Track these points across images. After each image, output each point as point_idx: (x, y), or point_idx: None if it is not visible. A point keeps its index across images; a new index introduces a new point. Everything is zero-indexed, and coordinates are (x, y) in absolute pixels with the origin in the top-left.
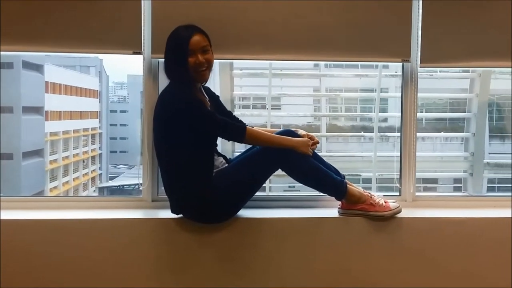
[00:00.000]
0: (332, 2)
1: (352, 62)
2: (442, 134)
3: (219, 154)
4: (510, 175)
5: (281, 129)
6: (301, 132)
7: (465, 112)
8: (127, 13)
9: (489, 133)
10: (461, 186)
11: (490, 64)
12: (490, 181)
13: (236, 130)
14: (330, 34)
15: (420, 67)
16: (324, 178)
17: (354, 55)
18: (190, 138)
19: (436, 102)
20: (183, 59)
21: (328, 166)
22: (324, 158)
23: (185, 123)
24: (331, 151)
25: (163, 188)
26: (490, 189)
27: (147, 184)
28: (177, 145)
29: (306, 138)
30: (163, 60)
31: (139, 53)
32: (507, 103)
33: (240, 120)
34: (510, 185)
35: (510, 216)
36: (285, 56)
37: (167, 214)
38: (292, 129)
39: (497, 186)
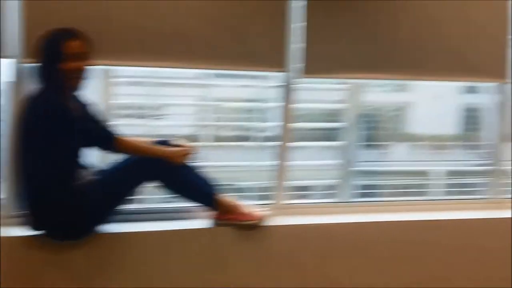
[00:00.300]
0: (210, 10)
1: (230, 71)
2: (314, 143)
3: (86, 166)
4: (377, 181)
5: (157, 139)
6: (175, 141)
7: (338, 122)
8: None
9: (361, 142)
10: (333, 193)
11: (370, 77)
12: (360, 187)
13: (104, 139)
14: (209, 42)
15: (298, 78)
16: (195, 189)
17: (232, 64)
18: (52, 147)
19: (313, 113)
20: (55, 64)
21: (201, 177)
22: (205, 168)
23: (48, 131)
24: (210, 161)
25: (21, 203)
26: (362, 195)
27: (5, 199)
28: (41, 155)
29: (180, 148)
30: (32, 65)
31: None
32: (378, 114)
33: (111, 129)
34: (378, 190)
35: (372, 220)
36: (161, 63)
37: (26, 231)
38: (168, 139)
39: (366, 192)
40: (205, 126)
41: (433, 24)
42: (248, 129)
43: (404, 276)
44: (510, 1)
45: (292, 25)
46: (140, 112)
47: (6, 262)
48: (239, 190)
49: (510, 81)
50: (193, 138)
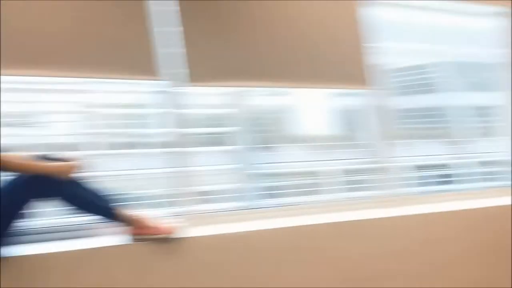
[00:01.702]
0: (79, 15)
1: (105, 79)
2: (214, 148)
3: None
4: (274, 183)
5: (39, 154)
6: (61, 155)
7: (228, 127)
8: None
9: (254, 145)
10: (233, 197)
11: (247, 84)
12: (261, 190)
13: None
14: (79, 48)
15: (182, 85)
16: (90, 204)
17: (103, 72)
18: None
19: (198, 118)
20: None
21: (96, 190)
22: (98, 179)
23: None
24: (98, 170)
25: None
26: (260, 197)
27: None
28: None
29: (64, 162)
30: None
31: None
32: (265, 117)
33: None
34: (278, 192)
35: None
36: (25, 71)
37: None
38: (50, 152)
39: (265, 194)
40: (89, 133)
41: (301, 34)
42: (133, 135)
43: (326, 278)
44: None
45: (161, 30)
46: (19, 121)
47: None
48: (137, 199)
49: (372, 87)
50: (76, 146)
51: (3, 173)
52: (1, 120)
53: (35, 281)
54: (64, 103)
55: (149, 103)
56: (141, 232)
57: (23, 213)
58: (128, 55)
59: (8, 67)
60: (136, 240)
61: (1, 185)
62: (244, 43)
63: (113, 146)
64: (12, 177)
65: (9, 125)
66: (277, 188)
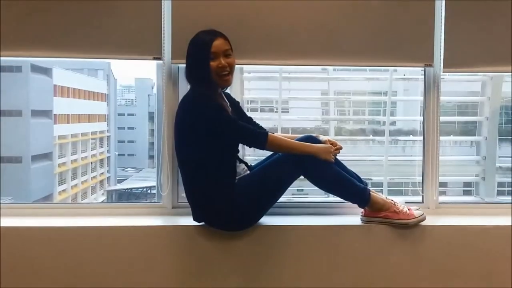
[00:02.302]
0: (351, 5)
1: (375, 67)
2: (456, 138)
3: (241, 161)
4: None
5: (302, 135)
6: (322, 138)
7: (475, 116)
8: (146, 17)
9: (499, 136)
10: (471, 190)
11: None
12: (500, 185)
13: (258, 136)
14: (349, 39)
15: (443, 72)
16: (347, 185)
17: (375, 60)
18: (212, 144)
19: (444, 105)
20: (205, 63)
21: (351, 173)
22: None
23: (207, 128)
24: (340, 155)
25: (183, 194)
26: (500, 193)
27: (167, 190)
28: (199, 151)
29: (328, 144)
30: (183, 65)
31: (159, 59)
32: None
33: (261, 126)
34: None
35: None
36: (302, 61)
37: (188, 221)
38: (313, 134)
39: (507, 190)
40: (334, 119)
41: None
42: (375, 122)
43: None
44: None
45: (437, 15)
46: (267, 107)
47: (172, 249)
48: (374, 184)
49: None
50: (320, 131)
51: (269, 153)
52: (254, 106)
53: (278, 248)
54: (314, 91)
55: (396, 90)
56: (386, 216)
57: (284, 188)
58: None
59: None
60: (378, 222)
61: (269, 161)
62: (502, 28)
63: (359, 132)
64: (278, 156)
65: (261, 110)
66: None
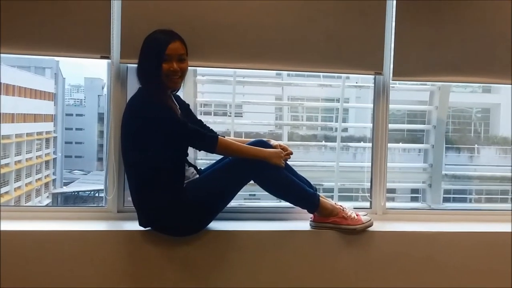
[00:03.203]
0: (305, 11)
1: (326, 73)
2: (405, 145)
3: (190, 164)
4: (465, 186)
5: (253, 139)
6: (273, 142)
7: (423, 124)
8: (95, 15)
9: (445, 144)
10: (418, 197)
11: (462, 80)
12: (446, 191)
13: (209, 140)
14: (304, 45)
15: (392, 80)
16: (297, 190)
17: (327, 67)
18: (160, 147)
19: (394, 113)
20: (157, 63)
21: (301, 178)
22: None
23: (155, 131)
24: (293, 160)
25: (129, 198)
26: (445, 199)
27: (113, 194)
28: (146, 154)
29: (279, 149)
30: (132, 65)
31: (107, 57)
32: (461, 116)
33: (212, 129)
34: (465, 196)
35: (488, 230)
36: (256, 65)
37: (134, 226)
38: (264, 139)
39: (453, 197)
40: (287, 125)
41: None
42: (328, 128)
43: None
44: None
45: (388, 25)
46: (221, 110)
47: (117, 255)
48: (325, 190)
49: None
50: (274, 136)
51: (220, 156)
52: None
53: (227, 253)
54: (264, 95)
55: (349, 97)
56: (335, 221)
57: (234, 192)
58: (352, 50)
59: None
60: (327, 228)
61: (218, 165)
62: (452, 38)
63: (311, 138)
64: (228, 160)
65: (214, 114)
66: (463, 191)
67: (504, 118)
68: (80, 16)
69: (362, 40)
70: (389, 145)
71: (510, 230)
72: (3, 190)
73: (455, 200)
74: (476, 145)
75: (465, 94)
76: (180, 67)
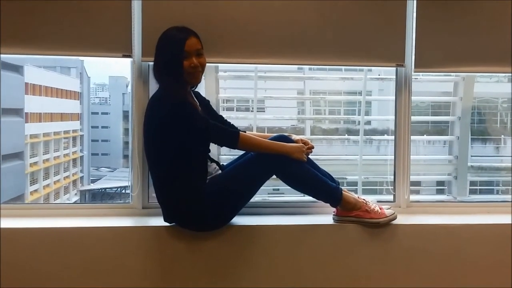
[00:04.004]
0: (324, 4)
1: (346, 66)
2: (429, 137)
3: (212, 160)
4: (492, 178)
5: (275, 134)
6: (295, 137)
7: (448, 115)
8: (116, 15)
9: (470, 136)
10: (444, 189)
11: (485, 70)
12: (472, 183)
13: (230, 135)
14: (322, 38)
15: (414, 71)
16: (320, 184)
17: (347, 60)
18: (182, 144)
19: (418, 105)
20: (178, 61)
21: (323, 172)
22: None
23: (177, 128)
24: (315, 154)
25: (154, 195)
26: (472, 191)
27: (137, 190)
28: (169, 151)
29: (301, 144)
30: (153, 63)
31: (129, 56)
32: (487, 107)
33: (233, 125)
34: (492, 187)
35: (509, 222)
36: (275, 60)
37: (159, 222)
38: (286, 134)
39: (479, 189)
40: (309, 119)
41: None
42: (351, 121)
43: None
44: None
45: (409, 16)
46: (243, 106)
47: (143, 250)
48: (349, 184)
49: None
50: (296, 130)
51: (242, 152)
52: (228, 105)
53: (250, 248)
54: (289, 90)
55: (371, 90)
56: (358, 215)
57: (257, 188)
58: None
59: (249, 57)
60: (350, 222)
61: (240, 161)
62: (474, 27)
63: (334, 131)
64: (250, 155)
65: (237, 109)
66: (490, 183)
67: None
68: (102, 16)
69: (383, 31)
70: (413, 137)
71: None
72: (32, 188)
73: (481, 192)
74: (502, 136)
75: (490, 84)
76: (199, 61)
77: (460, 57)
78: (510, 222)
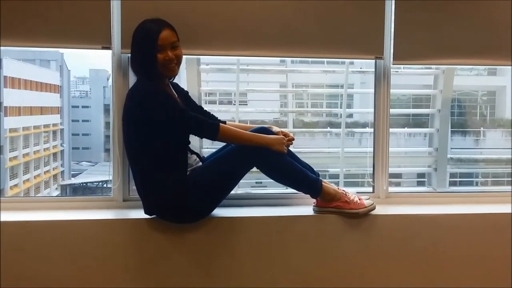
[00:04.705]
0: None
1: (325, 58)
2: (409, 130)
3: (192, 152)
4: (471, 169)
5: (256, 126)
6: (275, 129)
7: (428, 108)
8: (95, 6)
9: (450, 128)
10: (424, 181)
11: (463, 62)
12: (452, 175)
13: (209, 127)
14: (303, 30)
15: (393, 64)
16: (300, 176)
17: (327, 52)
18: (161, 136)
19: (399, 98)
20: (151, 54)
21: (303, 164)
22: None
23: (155, 119)
24: (298, 147)
25: (134, 187)
26: (451, 183)
27: (118, 183)
28: (148, 143)
29: (281, 136)
30: (129, 55)
31: (108, 48)
32: (466, 99)
33: (213, 115)
34: (471, 179)
35: (490, 212)
36: (257, 52)
37: (140, 214)
38: (266, 126)
39: (459, 181)
40: (291, 112)
41: None
42: (333, 114)
43: None
44: None
45: (387, 9)
46: (225, 99)
47: (124, 243)
48: (331, 176)
49: None
50: (279, 123)
51: (221, 143)
52: (209, 98)
53: (232, 239)
54: (272, 83)
55: (353, 83)
56: (338, 206)
57: (237, 180)
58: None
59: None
60: (330, 212)
61: (221, 152)
62: (453, 20)
63: (316, 124)
64: (230, 147)
65: (219, 103)
66: (469, 175)
67: (510, 101)
68: (81, 7)
69: (362, 24)
70: (394, 130)
71: (511, 211)
72: (12, 182)
73: (461, 183)
74: (481, 128)
75: (470, 77)
76: (174, 54)
77: (438, 50)
78: (487, 212)
